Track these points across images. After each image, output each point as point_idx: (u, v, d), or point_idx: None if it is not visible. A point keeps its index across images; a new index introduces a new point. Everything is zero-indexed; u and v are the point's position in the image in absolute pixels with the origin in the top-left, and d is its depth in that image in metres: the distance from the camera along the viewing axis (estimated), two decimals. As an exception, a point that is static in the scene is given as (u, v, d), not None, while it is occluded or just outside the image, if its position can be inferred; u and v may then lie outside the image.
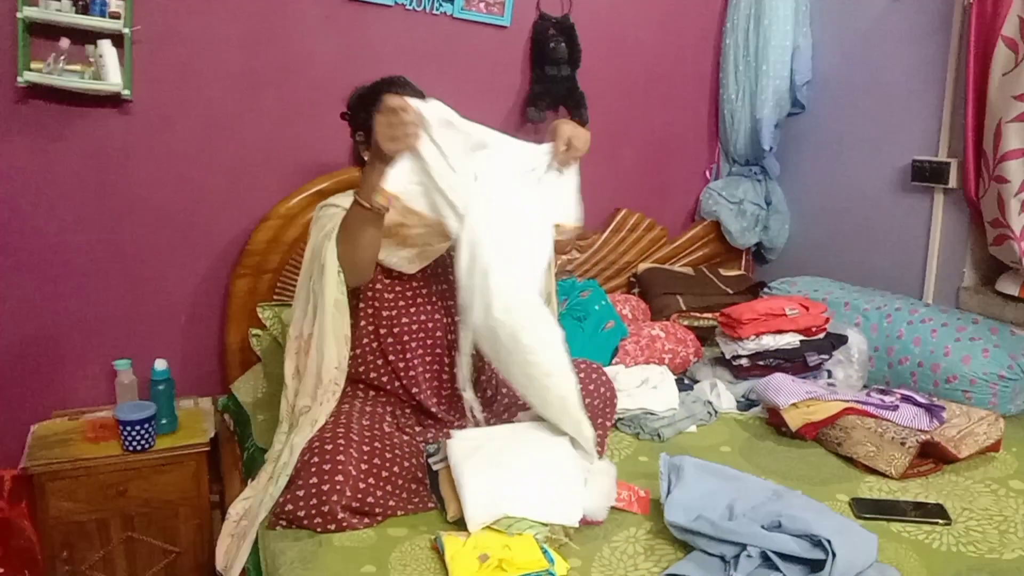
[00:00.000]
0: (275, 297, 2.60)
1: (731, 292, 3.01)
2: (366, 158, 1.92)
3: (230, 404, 2.54)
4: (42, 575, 2.34)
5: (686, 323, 2.84)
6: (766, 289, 2.97)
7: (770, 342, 2.38)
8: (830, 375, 2.43)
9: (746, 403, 2.36)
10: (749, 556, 1.46)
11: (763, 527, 1.51)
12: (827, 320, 2.43)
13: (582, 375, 2.03)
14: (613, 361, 2.47)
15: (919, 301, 2.62)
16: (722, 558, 1.50)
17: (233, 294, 2.59)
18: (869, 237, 2.93)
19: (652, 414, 2.16)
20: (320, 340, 1.84)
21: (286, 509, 1.67)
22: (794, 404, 2.12)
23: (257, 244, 2.55)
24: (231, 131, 2.57)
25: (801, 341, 2.40)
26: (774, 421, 2.20)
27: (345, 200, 1.91)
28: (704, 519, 1.55)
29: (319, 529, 1.64)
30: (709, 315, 2.89)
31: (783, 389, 2.16)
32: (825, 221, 3.13)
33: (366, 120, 1.88)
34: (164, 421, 2.39)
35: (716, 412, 2.26)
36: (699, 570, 1.47)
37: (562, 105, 2.94)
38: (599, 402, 2.02)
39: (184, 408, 2.58)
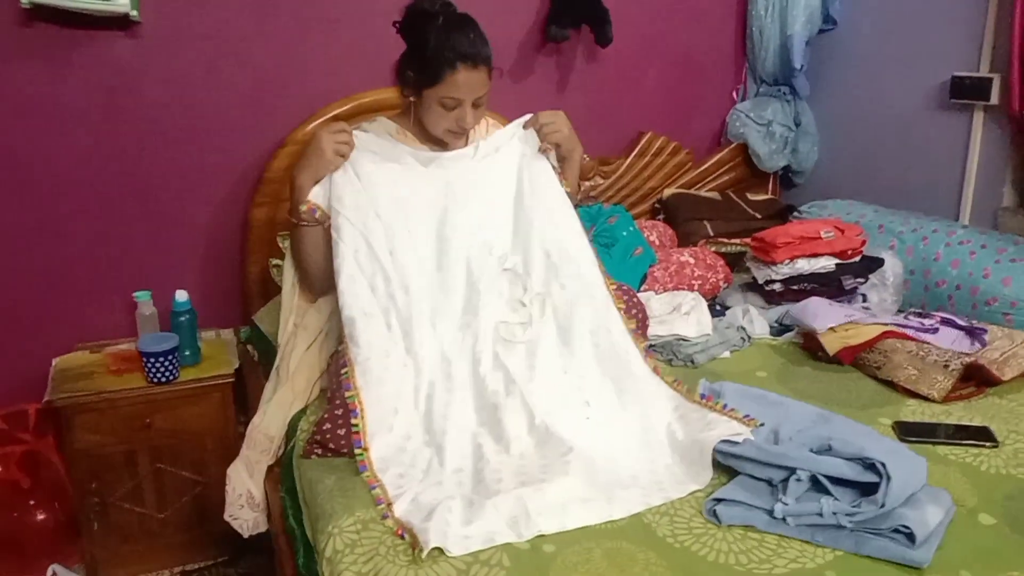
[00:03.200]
0: (295, 226, 2.54)
1: (759, 217, 2.93)
2: (409, 96, 1.88)
3: (253, 335, 2.50)
4: (72, 506, 2.35)
5: (714, 249, 2.78)
6: (796, 213, 2.90)
7: (804, 266, 2.32)
8: (864, 299, 2.38)
9: (779, 328, 2.31)
10: (799, 480, 1.42)
11: (812, 451, 1.48)
12: (863, 243, 2.37)
13: (623, 294, 1.98)
14: (642, 288, 2.41)
15: (956, 223, 2.55)
16: (769, 482, 1.47)
17: (252, 224, 2.53)
18: (903, 158, 2.84)
19: (685, 340, 2.11)
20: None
21: (317, 439, 1.65)
22: (831, 328, 2.07)
23: (275, 172, 2.48)
24: (244, 54, 2.48)
25: (836, 264, 2.34)
26: (809, 346, 2.15)
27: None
28: (749, 443, 1.51)
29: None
30: (737, 240, 2.82)
31: (820, 313, 2.11)
32: (856, 142, 3.03)
33: (422, 42, 1.79)
34: (187, 353, 2.36)
35: (750, 338, 2.21)
36: (746, 494, 1.44)
37: (585, 23, 2.83)
38: (632, 324, 1.98)
39: (207, 340, 2.55)
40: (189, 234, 2.56)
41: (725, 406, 1.70)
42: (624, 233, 2.44)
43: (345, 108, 2.49)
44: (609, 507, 1.43)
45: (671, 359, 2.10)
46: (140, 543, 2.38)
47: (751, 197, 3.04)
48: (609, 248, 2.41)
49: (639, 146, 3.02)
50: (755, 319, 2.30)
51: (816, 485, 1.42)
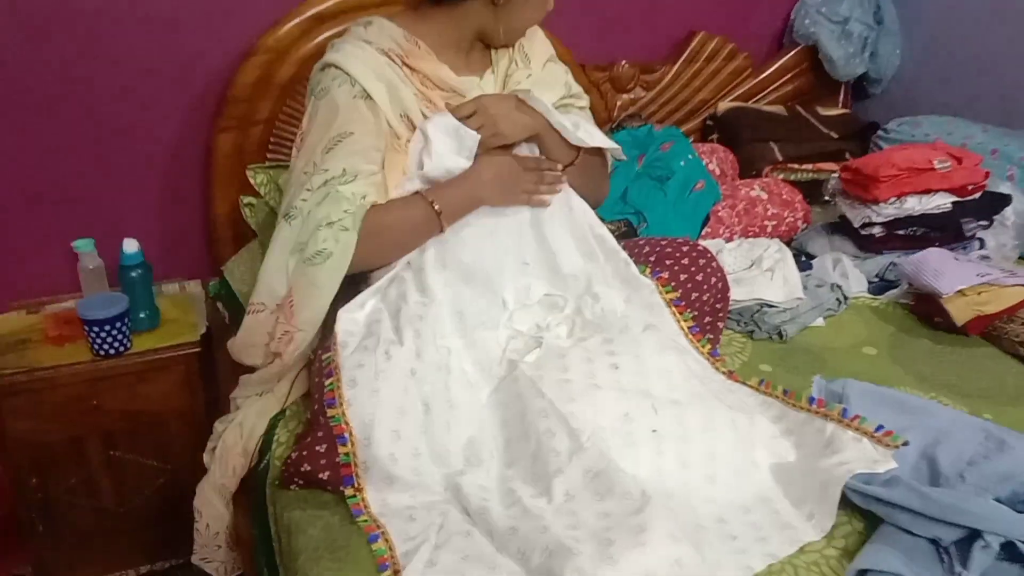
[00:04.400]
0: (268, 156, 2.04)
1: (835, 136, 2.42)
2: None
3: (223, 290, 2.03)
4: (11, 505, 1.94)
5: (782, 176, 2.29)
6: (880, 132, 2.38)
7: (915, 205, 1.83)
8: (982, 244, 1.90)
9: (880, 284, 1.85)
10: (985, 546, 0.99)
11: (999, 499, 1.04)
12: (986, 175, 1.88)
13: (685, 260, 1.52)
14: (704, 232, 1.94)
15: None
16: (935, 543, 1.04)
17: (217, 153, 2.03)
18: (1012, 66, 2.30)
19: (771, 306, 1.65)
20: None
21: (297, 468, 1.21)
22: (960, 291, 1.61)
23: (241, 88, 1.97)
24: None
25: (953, 204, 1.85)
26: (924, 310, 1.70)
27: (357, 62, 1.35)
28: (905, 487, 1.07)
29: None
30: (810, 166, 2.33)
31: (944, 270, 1.64)
32: (949, 44, 2.48)
33: None
34: (142, 315, 1.90)
35: (846, 298, 1.75)
36: (904, 561, 1.00)
37: None
38: (709, 296, 1.52)
39: (168, 295, 2.09)
40: (140, 166, 2.06)
41: (845, 413, 1.25)
42: (681, 163, 1.94)
43: (328, 5, 1.97)
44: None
45: (753, 330, 1.65)
46: (97, 542, 1.99)
47: (822, 112, 2.52)
48: (663, 183, 1.92)
49: (689, 49, 2.47)
50: (850, 272, 1.83)
51: (1012, 553, 0.99)
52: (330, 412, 1.23)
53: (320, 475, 1.20)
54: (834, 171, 2.23)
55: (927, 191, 1.84)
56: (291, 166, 1.40)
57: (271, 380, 1.41)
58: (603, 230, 1.54)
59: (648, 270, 1.51)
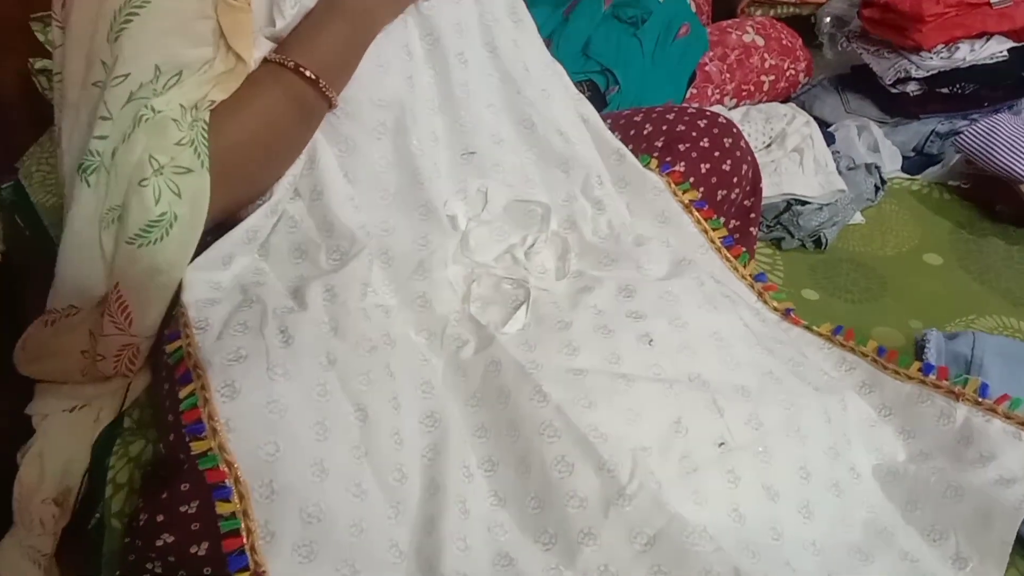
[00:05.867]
0: (66, -2, 1.40)
1: (822, -41, 1.94)
2: None
3: (19, 197, 1.42)
4: None
5: (759, 13, 1.81)
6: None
7: (967, 54, 1.40)
8: (1029, 102, 1.51)
9: (917, 160, 1.44)
10: None
11: None
12: (1051, 12, 1.45)
13: (705, 141, 1.06)
14: (689, 95, 1.46)
15: None
16: None
17: (-14, -2, 1.38)
18: None
19: (802, 202, 1.22)
20: None
21: (159, 542, 0.70)
22: (1048, 175, 1.22)
23: None
24: None
25: (1010, 50, 1.43)
26: (983, 194, 1.31)
27: None
28: None
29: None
30: (795, -1, 1.86)
31: (1019, 145, 1.24)
32: None
33: None
34: (-102, 242, 1.31)
35: (884, 182, 1.34)
36: None
37: None
38: (739, 193, 1.08)
39: (-57, 204, 1.47)
40: None
41: (984, 391, 0.85)
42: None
43: None
44: None
45: (782, 237, 1.21)
46: None
47: (800, -72, 2.02)
48: (636, 27, 1.41)
49: None
50: (881, 145, 1.40)
51: None
52: (195, 447, 0.72)
53: (192, 549, 0.70)
54: (822, 2, 1.78)
55: (981, 35, 1.40)
56: (55, 65, 0.82)
57: (93, 396, 0.88)
58: (583, 102, 1.06)
59: (654, 161, 1.04)
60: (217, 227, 0.83)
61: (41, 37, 1.30)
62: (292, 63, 0.80)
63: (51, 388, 0.89)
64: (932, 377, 0.87)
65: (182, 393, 0.74)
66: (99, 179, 0.75)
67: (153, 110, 0.74)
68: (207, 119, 0.77)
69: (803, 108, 1.56)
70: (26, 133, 1.48)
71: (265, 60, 0.82)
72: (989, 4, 1.40)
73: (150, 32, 0.74)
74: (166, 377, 0.79)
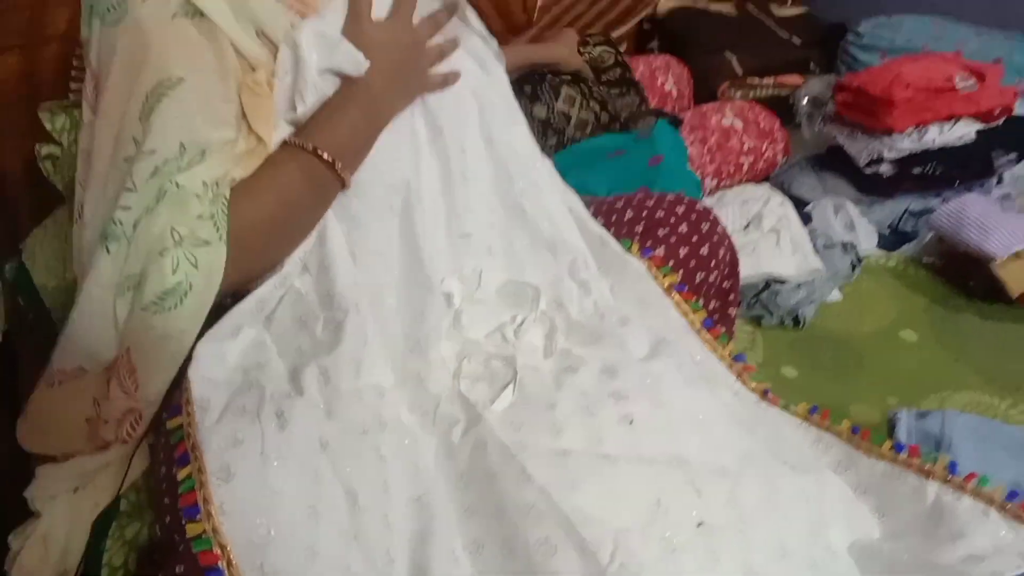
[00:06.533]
0: (72, 86, 1.46)
1: (796, 43, 2.03)
2: None
3: (22, 277, 1.47)
4: None
5: (739, 95, 1.89)
6: (851, 37, 1.99)
7: (936, 136, 1.46)
8: (1000, 180, 1.57)
9: (892, 238, 1.49)
10: None
11: None
12: (1015, 95, 1.52)
13: (683, 227, 1.10)
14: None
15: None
16: None
17: (-5, 84, 1.44)
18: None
19: (779, 281, 1.26)
20: None
21: None
22: (1017, 253, 1.26)
23: (27, -13, 1.38)
24: None
25: (978, 132, 1.49)
26: (956, 271, 1.36)
27: None
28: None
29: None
30: (771, 80, 1.93)
31: (992, 224, 1.28)
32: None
33: None
34: (-98, 323, 1.34)
35: (859, 260, 1.38)
36: None
37: None
38: (717, 275, 1.11)
39: (-54, 284, 1.51)
40: None
41: (953, 468, 0.88)
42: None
43: None
44: None
45: (761, 315, 1.25)
46: None
47: (776, 12, 2.11)
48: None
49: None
50: (857, 223, 1.45)
51: None
52: (190, 529, 0.75)
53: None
54: (799, 86, 1.86)
55: (949, 117, 1.47)
56: (83, 143, 0.88)
57: (93, 472, 0.90)
58: (569, 191, 1.10)
59: (635, 246, 1.08)
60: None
61: (48, 126, 1.34)
62: (311, 146, 0.85)
63: (52, 468, 0.91)
64: (904, 456, 0.90)
65: (180, 475, 0.77)
66: (119, 248, 0.79)
67: (177, 185, 0.79)
68: (227, 195, 0.82)
69: (781, 187, 1.62)
70: (30, 215, 1.53)
71: (285, 142, 0.87)
72: (955, 88, 1.47)
73: (178, 112, 0.80)
74: (164, 458, 0.81)
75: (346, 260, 0.91)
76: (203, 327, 0.85)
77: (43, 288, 1.32)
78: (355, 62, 0.87)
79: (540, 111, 1.50)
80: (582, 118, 1.53)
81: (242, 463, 0.75)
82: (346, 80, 0.88)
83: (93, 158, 0.84)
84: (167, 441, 0.81)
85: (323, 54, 0.87)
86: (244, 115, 0.85)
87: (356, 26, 0.88)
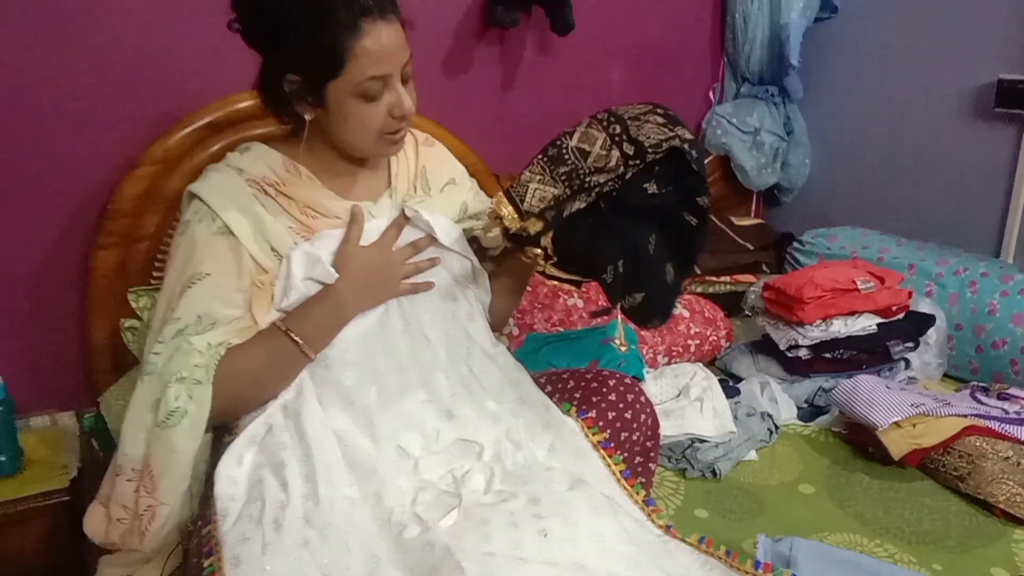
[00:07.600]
0: (154, 276, 1.86)
1: (751, 248, 2.40)
2: (304, 113, 1.23)
3: (98, 424, 1.81)
4: None
5: (699, 291, 2.23)
6: (796, 244, 2.37)
7: (841, 328, 1.78)
8: (907, 364, 1.86)
9: (809, 410, 1.78)
10: None
11: None
12: (909, 295, 1.85)
13: (613, 396, 1.41)
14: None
15: (1012, 265, 2.06)
16: None
17: (95, 272, 1.83)
18: (922, 177, 2.34)
19: (702, 441, 1.55)
20: None
21: None
22: (896, 423, 1.54)
23: (124, 201, 1.79)
24: (78, 39, 1.77)
25: (879, 325, 1.81)
26: (858, 439, 1.63)
27: (218, 194, 1.23)
28: None
29: None
30: (727, 279, 2.28)
31: (877, 400, 1.58)
32: (858, 154, 2.52)
33: (289, 22, 1.16)
34: (1, 459, 1.67)
35: (777, 427, 1.67)
36: None
37: (538, 4, 2.22)
38: (639, 435, 1.40)
39: (36, 430, 1.84)
40: (8, 287, 1.84)
41: (797, 582, 1.13)
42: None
43: (220, 114, 1.83)
44: None
45: (685, 468, 1.54)
46: None
47: (736, 222, 2.50)
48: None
49: (603, 158, 2.43)
50: (779, 398, 1.75)
51: None
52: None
53: None
54: (752, 283, 2.20)
55: (852, 312, 1.79)
56: (150, 306, 1.27)
57: (137, 562, 1.21)
58: (521, 370, 1.43)
59: (573, 409, 1.39)
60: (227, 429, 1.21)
61: (134, 304, 1.72)
62: (285, 327, 1.21)
63: (109, 560, 1.22)
64: (759, 571, 1.16)
65: (205, 564, 1.08)
66: (151, 379, 1.17)
67: (190, 343, 1.16)
68: (222, 353, 1.18)
69: (724, 366, 1.94)
70: (110, 376, 1.88)
71: (272, 324, 1.23)
72: (858, 289, 1.80)
73: (200, 295, 1.20)
74: (195, 552, 1.12)
75: (315, 408, 1.25)
76: (213, 460, 1.18)
77: (116, 432, 1.66)
78: (328, 274, 1.25)
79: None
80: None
81: (247, 554, 1.07)
82: (325, 286, 1.24)
83: (152, 321, 1.22)
84: (199, 541, 1.12)
85: (306, 267, 1.26)
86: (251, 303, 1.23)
87: (344, 248, 1.27)
